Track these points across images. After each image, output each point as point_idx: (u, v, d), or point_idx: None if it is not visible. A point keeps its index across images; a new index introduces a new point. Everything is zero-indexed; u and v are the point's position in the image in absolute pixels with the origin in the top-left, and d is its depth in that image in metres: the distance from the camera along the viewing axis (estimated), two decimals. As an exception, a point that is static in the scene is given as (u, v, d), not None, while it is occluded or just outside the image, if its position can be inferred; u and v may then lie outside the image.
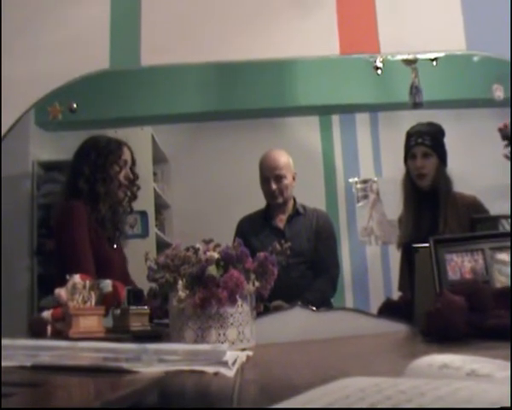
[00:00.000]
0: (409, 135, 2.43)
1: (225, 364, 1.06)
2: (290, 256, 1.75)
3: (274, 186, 2.44)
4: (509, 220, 2.15)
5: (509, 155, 2.31)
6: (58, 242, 2.31)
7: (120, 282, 2.10)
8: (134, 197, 2.39)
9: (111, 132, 2.45)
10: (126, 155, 2.37)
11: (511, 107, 2.31)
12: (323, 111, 2.64)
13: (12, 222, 2.31)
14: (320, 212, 2.50)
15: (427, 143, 2.40)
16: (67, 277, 1.88)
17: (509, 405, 0.47)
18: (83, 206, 2.26)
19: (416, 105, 2.42)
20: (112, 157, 2.34)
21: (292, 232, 2.43)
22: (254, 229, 2.43)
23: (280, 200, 2.46)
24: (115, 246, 2.34)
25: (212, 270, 1.61)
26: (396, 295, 2.36)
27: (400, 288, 2.37)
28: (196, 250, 1.69)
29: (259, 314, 1.76)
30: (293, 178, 2.47)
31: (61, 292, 1.85)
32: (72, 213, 2.28)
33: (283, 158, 2.47)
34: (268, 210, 2.49)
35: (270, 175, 2.45)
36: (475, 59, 2.42)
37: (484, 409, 0.48)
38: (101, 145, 2.35)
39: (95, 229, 2.26)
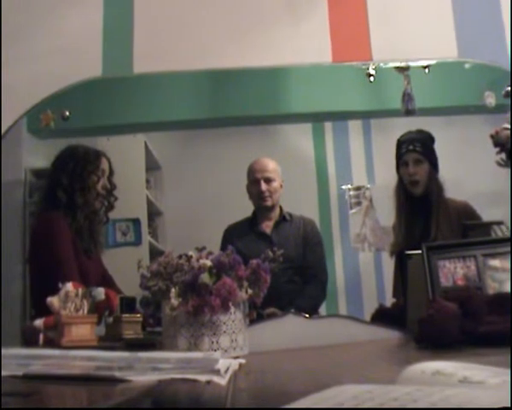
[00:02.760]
0: (400, 142, 2.44)
1: (218, 372, 1.06)
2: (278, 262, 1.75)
3: (264, 187, 2.45)
4: (501, 227, 2.15)
5: (502, 161, 2.31)
6: (41, 254, 2.28)
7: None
8: (111, 207, 2.38)
9: (103, 140, 2.45)
10: (104, 165, 2.36)
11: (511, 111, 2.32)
12: (316, 118, 2.65)
13: (4, 229, 2.30)
14: (307, 219, 2.51)
15: (418, 150, 2.41)
16: (60, 285, 1.87)
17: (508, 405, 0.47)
18: (62, 216, 2.25)
19: (409, 112, 2.43)
20: (90, 167, 2.34)
21: (279, 238, 2.43)
22: (241, 235, 2.44)
23: (269, 202, 2.46)
24: (91, 257, 2.33)
25: (205, 277, 1.61)
26: (389, 301, 2.36)
27: (394, 295, 2.37)
28: (189, 258, 1.69)
29: (252, 322, 1.76)
30: (281, 186, 2.49)
31: (54, 300, 1.85)
32: (54, 224, 2.27)
33: (272, 164, 2.50)
34: (254, 217, 2.49)
35: (260, 177, 2.46)
36: (467, 66, 2.43)
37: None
38: (79, 155, 2.34)
39: (72, 239, 2.25)
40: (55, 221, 2.26)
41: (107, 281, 2.27)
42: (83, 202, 2.29)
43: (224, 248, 1.76)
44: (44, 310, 1.90)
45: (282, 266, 1.77)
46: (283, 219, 2.49)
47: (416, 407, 0.51)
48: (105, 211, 2.37)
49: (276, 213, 2.49)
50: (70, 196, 2.28)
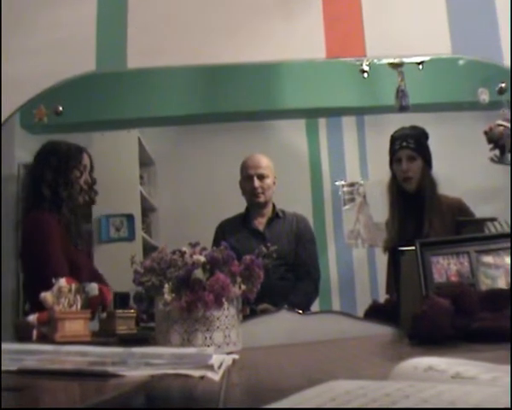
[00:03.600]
0: (393, 139, 2.45)
1: (211, 367, 1.06)
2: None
3: (257, 184, 2.46)
4: (494, 223, 2.16)
5: (495, 158, 2.32)
6: (29, 253, 2.29)
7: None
8: (92, 202, 2.39)
9: (97, 136, 2.45)
10: (86, 161, 2.38)
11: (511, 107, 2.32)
12: (310, 114, 2.65)
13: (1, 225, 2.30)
14: (299, 216, 2.51)
15: (411, 147, 2.42)
16: (53, 280, 1.87)
17: (508, 405, 0.48)
18: (49, 212, 2.26)
19: (403, 108, 2.43)
20: (72, 162, 2.35)
21: (272, 234, 2.43)
22: (234, 232, 2.44)
23: (261, 199, 2.47)
24: (80, 250, 2.33)
25: (199, 273, 1.61)
26: (382, 298, 2.37)
27: (388, 291, 2.37)
28: (182, 253, 1.69)
29: (245, 317, 1.76)
30: (274, 183, 2.49)
31: (47, 296, 1.84)
32: (42, 221, 2.27)
33: (265, 160, 2.50)
34: (247, 214, 2.50)
35: (253, 173, 2.46)
36: (461, 63, 2.44)
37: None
38: (61, 150, 2.35)
39: (61, 234, 2.25)
40: (43, 218, 2.26)
41: (96, 275, 2.27)
42: (67, 197, 2.30)
43: (216, 244, 1.76)
44: (37, 306, 1.90)
45: (274, 262, 1.77)
46: (276, 215, 2.49)
47: (407, 403, 0.51)
48: (87, 205, 2.38)
49: (268, 210, 2.50)
50: (54, 191, 2.29)
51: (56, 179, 2.30)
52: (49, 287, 1.88)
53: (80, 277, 2.04)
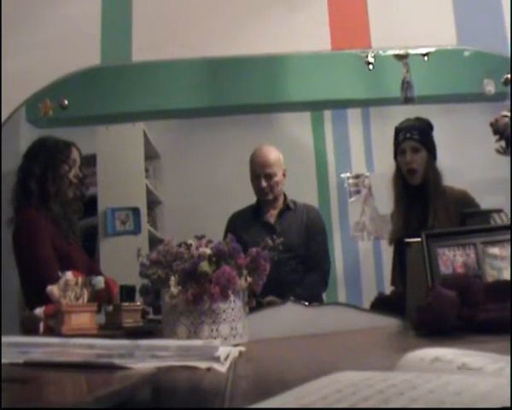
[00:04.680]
0: (397, 130, 2.44)
1: (218, 359, 1.06)
2: (281, 251, 1.75)
3: (264, 184, 2.45)
4: (500, 214, 2.15)
5: (501, 149, 2.31)
6: (20, 252, 2.29)
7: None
8: (83, 197, 2.39)
9: (102, 129, 2.45)
10: (75, 155, 2.38)
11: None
12: (315, 106, 2.65)
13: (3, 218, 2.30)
14: (310, 207, 2.51)
15: (415, 138, 2.41)
16: (60, 274, 1.87)
17: (508, 405, 0.48)
18: (37, 212, 2.26)
19: (408, 100, 2.42)
20: (60, 156, 2.35)
21: (282, 227, 2.43)
22: (245, 224, 2.44)
23: (270, 196, 2.46)
24: (72, 244, 2.33)
25: (205, 266, 1.61)
26: (388, 289, 2.37)
27: (393, 283, 2.37)
28: (188, 246, 1.69)
29: (252, 310, 1.76)
30: (284, 175, 2.48)
31: (54, 289, 1.85)
32: (31, 221, 2.27)
33: (273, 155, 2.48)
34: (258, 206, 2.49)
35: (260, 172, 2.45)
36: (466, 54, 2.43)
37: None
38: (49, 146, 2.35)
39: (51, 230, 2.25)
40: (32, 216, 2.26)
41: (93, 269, 2.27)
42: (55, 192, 2.29)
43: (227, 236, 1.75)
44: (36, 302, 1.91)
45: (285, 255, 1.77)
46: (287, 207, 2.49)
47: (414, 394, 0.51)
48: (78, 199, 2.38)
49: (279, 203, 2.49)
50: (43, 186, 2.29)
51: (45, 174, 2.30)
52: (40, 283, 1.88)
53: (79, 270, 2.04)
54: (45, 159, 2.32)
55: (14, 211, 2.32)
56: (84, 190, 2.40)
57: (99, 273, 2.19)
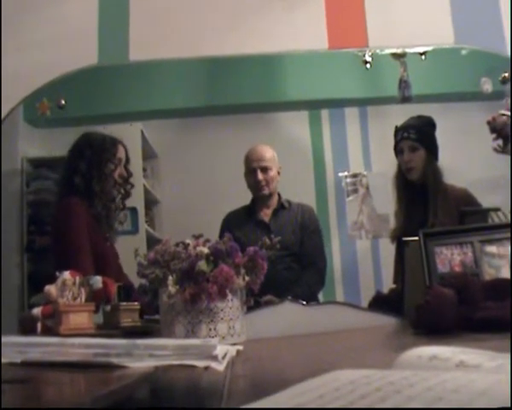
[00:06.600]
0: (397, 129, 2.45)
1: (215, 358, 1.06)
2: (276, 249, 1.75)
3: (260, 177, 2.45)
4: (498, 213, 2.16)
5: (499, 148, 2.31)
6: (56, 239, 2.31)
7: (115, 278, 2.09)
8: (127, 195, 2.39)
9: (99, 129, 2.45)
10: (121, 153, 2.38)
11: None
12: (313, 106, 2.65)
13: (1, 219, 2.30)
14: (305, 206, 2.51)
15: (412, 137, 2.41)
16: (57, 273, 1.87)
17: (508, 405, 0.48)
18: (80, 202, 2.26)
19: (405, 99, 2.42)
20: (106, 155, 2.35)
21: (277, 226, 2.43)
22: (239, 223, 2.44)
23: (266, 191, 2.46)
24: (109, 243, 2.34)
25: (202, 265, 1.61)
26: (387, 288, 2.37)
27: (395, 281, 2.37)
28: (186, 246, 1.69)
29: (250, 309, 1.76)
30: (278, 173, 2.49)
31: (51, 289, 1.85)
32: (71, 209, 2.28)
33: (269, 152, 2.49)
34: (253, 205, 2.49)
35: (256, 166, 2.46)
36: (464, 52, 2.43)
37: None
38: (95, 143, 2.35)
39: (91, 225, 2.26)
40: (73, 207, 2.27)
41: (121, 273, 2.27)
42: (100, 190, 2.30)
43: (222, 236, 1.76)
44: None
45: (279, 253, 1.77)
46: (281, 206, 2.49)
47: (412, 391, 0.51)
48: (121, 199, 2.38)
49: (274, 201, 2.49)
50: (88, 184, 2.29)
51: (90, 172, 2.30)
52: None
53: (106, 272, 2.05)
54: (91, 156, 2.32)
55: (55, 199, 2.34)
56: (129, 188, 2.39)
57: (127, 279, 2.20)
